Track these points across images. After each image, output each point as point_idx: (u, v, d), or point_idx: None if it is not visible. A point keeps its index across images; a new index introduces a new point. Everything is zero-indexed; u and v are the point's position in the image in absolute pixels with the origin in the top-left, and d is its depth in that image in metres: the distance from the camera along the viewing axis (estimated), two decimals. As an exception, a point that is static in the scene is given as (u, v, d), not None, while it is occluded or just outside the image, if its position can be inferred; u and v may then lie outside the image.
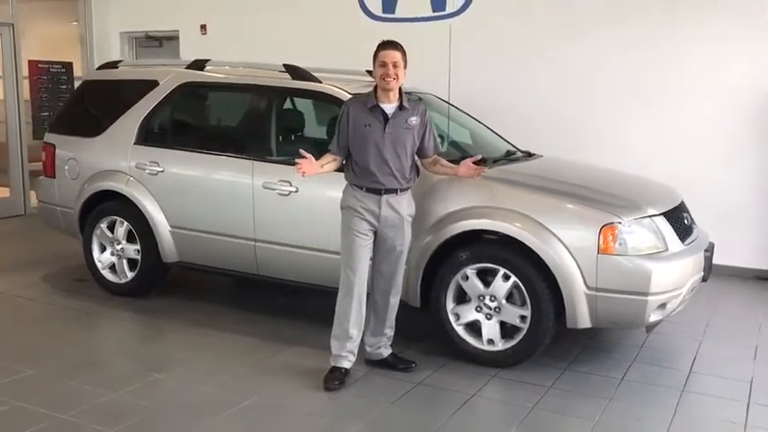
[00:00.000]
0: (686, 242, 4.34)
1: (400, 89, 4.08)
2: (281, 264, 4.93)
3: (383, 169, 4.01)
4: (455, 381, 4.09)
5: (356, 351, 4.13)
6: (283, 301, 5.57)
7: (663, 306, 4.07)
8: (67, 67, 9.14)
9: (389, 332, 4.27)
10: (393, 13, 7.71)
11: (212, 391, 3.92)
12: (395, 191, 4.04)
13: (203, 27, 8.77)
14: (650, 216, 4.19)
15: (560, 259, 4.03)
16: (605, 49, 6.70)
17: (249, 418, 3.62)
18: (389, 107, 4.05)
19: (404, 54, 4.04)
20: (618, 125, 6.71)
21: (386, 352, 4.28)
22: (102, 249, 5.64)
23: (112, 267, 5.61)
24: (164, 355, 4.48)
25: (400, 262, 4.15)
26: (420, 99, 5.07)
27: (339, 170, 4.21)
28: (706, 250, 4.44)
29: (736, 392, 4.00)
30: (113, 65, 5.93)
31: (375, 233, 4.09)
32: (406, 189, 4.11)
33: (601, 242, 4.00)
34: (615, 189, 4.54)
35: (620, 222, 4.03)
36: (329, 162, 4.17)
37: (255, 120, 5.05)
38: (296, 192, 4.76)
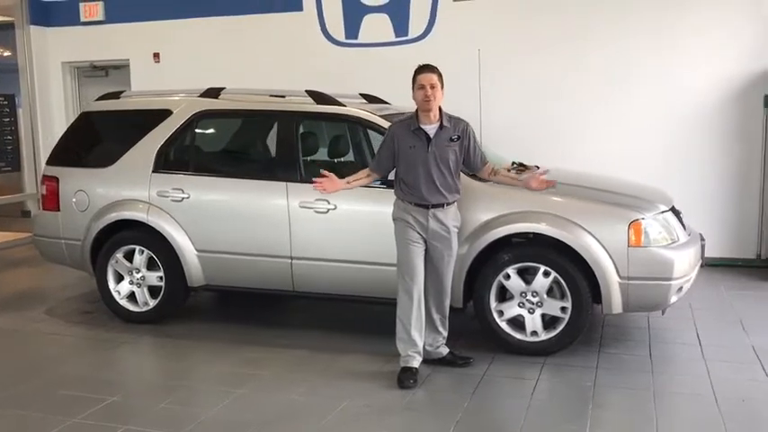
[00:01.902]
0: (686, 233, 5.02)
1: (441, 110, 4.46)
2: (319, 279, 5.17)
3: (430, 186, 4.36)
4: (513, 370, 4.54)
5: (422, 350, 4.49)
6: (277, 315, 5.95)
7: (680, 289, 4.71)
8: (9, 98, 8.86)
9: (444, 332, 4.64)
10: (356, 38, 8.10)
11: (303, 399, 4.15)
12: (441, 205, 4.41)
13: (156, 55, 8.79)
14: (662, 212, 4.83)
15: (597, 254, 4.57)
16: (565, 64, 7.35)
17: (356, 418, 3.90)
18: (431, 128, 4.41)
19: (440, 76, 4.40)
20: (575, 132, 7.37)
21: (444, 350, 4.65)
22: (118, 279, 5.65)
23: (130, 296, 5.64)
24: (229, 372, 4.60)
25: (449, 268, 4.52)
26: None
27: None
28: (701, 240, 5.14)
29: (747, 357, 4.69)
30: (115, 95, 5.96)
31: (425, 241, 4.46)
32: (452, 203, 4.48)
33: (630, 236, 4.59)
34: (627, 191, 5.14)
35: (643, 218, 4.64)
36: (362, 178, 4.56)
37: (286, 144, 5.28)
38: (334, 209, 5.05)
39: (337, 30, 8.14)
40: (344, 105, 5.31)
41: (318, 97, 5.35)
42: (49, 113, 9.31)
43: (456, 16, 7.72)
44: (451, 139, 4.41)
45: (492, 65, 7.47)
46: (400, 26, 7.93)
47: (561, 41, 7.36)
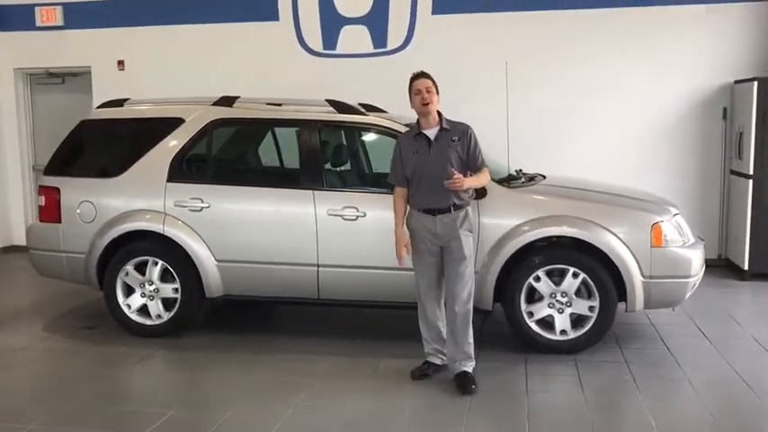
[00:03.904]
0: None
1: (440, 114, 4.52)
2: (347, 285, 5.22)
3: (435, 188, 4.39)
4: (551, 368, 4.75)
5: (444, 349, 4.59)
6: (285, 323, 5.94)
7: (693, 286, 5.08)
8: (-41, 107, 8.36)
9: (467, 347, 4.47)
10: (334, 49, 8.15)
11: (365, 403, 4.22)
12: (448, 209, 4.41)
13: (121, 63, 8.52)
14: (674, 215, 5.19)
15: (623, 255, 4.86)
16: (544, 79, 7.69)
17: (431, 418, 4.01)
18: (431, 131, 4.48)
19: (434, 82, 4.50)
20: (550, 143, 7.72)
21: (458, 369, 4.47)
22: (128, 292, 5.48)
23: (141, 310, 5.48)
24: (274, 382, 4.57)
25: (462, 272, 4.43)
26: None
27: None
28: (702, 240, 5.54)
29: (753, 347, 5.11)
30: (118, 103, 5.78)
31: (441, 248, 4.49)
32: (461, 207, 4.45)
33: (652, 238, 4.90)
34: (640, 196, 5.47)
35: (662, 221, 4.98)
36: (398, 199, 4.59)
37: (311, 152, 5.30)
38: (363, 216, 5.11)
39: (315, 40, 8.17)
40: (366, 114, 5.40)
41: (340, 106, 5.41)
42: (-1, 121, 8.85)
43: (434, 29, 7.93)
44: (452, 140, 4.44)
45: (469, 77, 7.73)
46: (379, 38, 8.05)
47: (540, 58, 7.68)
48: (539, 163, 7.03)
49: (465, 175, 4.43)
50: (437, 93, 4.49)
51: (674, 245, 4.98)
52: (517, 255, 4.96)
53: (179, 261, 5.36)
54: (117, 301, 5.47)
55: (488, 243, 4.96)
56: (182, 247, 5.32)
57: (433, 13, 7.93)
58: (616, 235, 4.89)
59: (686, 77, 7.53)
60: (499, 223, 4.96)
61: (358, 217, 5.12)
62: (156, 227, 5.35)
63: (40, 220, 5.72)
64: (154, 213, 5.38)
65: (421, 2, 7.92)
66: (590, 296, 4.95)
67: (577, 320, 5.01)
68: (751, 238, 7.00)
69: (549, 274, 4.98)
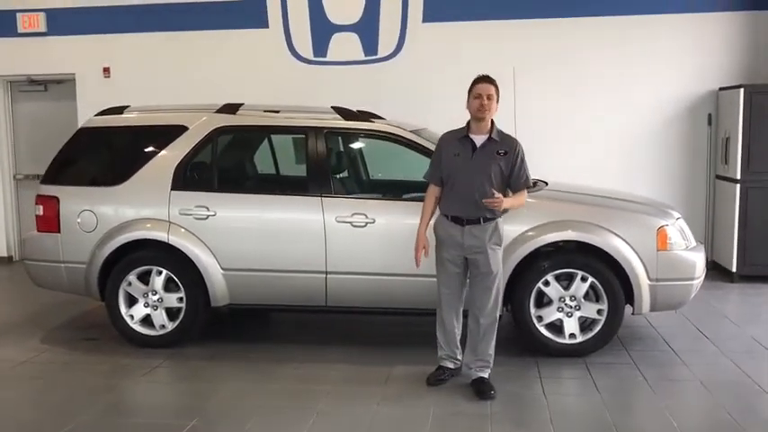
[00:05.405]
0: (692, 239, 5.52)
1: (493, 123, 4.48)
2: (356, 292, 5.20)
3: (468, 197, 4.37)
4: (563, 371, 4.81)
5: (458, 355, 4.64)
6: (286, 331, 6.00)
7: (697, 288, 5.18)
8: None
9: (488, 357, 4.52)
10: (324, 56, 8.14)
11: (387, 410, 4.21)
12: (477, 220, 4.38)
13: (106, 70, 8.39)
14: (677, 219, 5.30)
15: (630, 259, 4.94)
16: (526, 87, 7.70)
17: (456, 426, 4.03)
18: (479, 138, 4.42)
19: (497, 88, 4.43)
20: (537, 149, 7.78)
21: (475, 375, 4.51)
22: (130, 302, 5.39)
23: (144, 320, 5.39)
24: (290, 390, 4.54)
25: (489, 286, 4.42)
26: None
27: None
28: (701, 244, 5.66)
29: (754, 346, 5.23)
30: (118, 110, 5.69)
31: (466, 258, 4.48)
32: (491, 219, 4.41)
33: (658, 241, 4.99)
34: (644, 201, 5.58)
35: (667, 225, 5.07)
36: (431, 197, 4.57)
37: (319, 159, 5.27)
38: (372, 223, 5.11)
39: (305, 48, 8.15)
40: (371, 121, 5.41)
41: (346, 113, 5.41)
42: (-22, 130, 8.63)
43: (425, 37, 7.97)
44: (498, 153, 4.39)
45: (459, 84, 7.76)
46: (369, 45, 8.06)
47: (530, 65, 7.68)
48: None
49: (505, 193, 4.39)
50: (497, 100, 4.42)
51: (678, 248, 5.08)
52: (526, 260, 5.02)
53: (184, 270, 5.29)
54: (119, 312, 5.38)
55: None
56: (187, 255, 5.26)
57: (424, 20, 7.97)
58: (623, 239, 4.97)
59: (672, 84, 7.69)
60: (507, 229, 4.96)
61: (367, 223, 5.11)
62: (160, 235, 5.28)
63: (38, 230, 5.59)
64: (158, 222, 5.31)
65: (412, 10, 7.96)
66: (598, 300, 5.02)
67: (586, 324, 5.08)
68: (739, 241, 7.17)
69: (558, 278, 5.04)
